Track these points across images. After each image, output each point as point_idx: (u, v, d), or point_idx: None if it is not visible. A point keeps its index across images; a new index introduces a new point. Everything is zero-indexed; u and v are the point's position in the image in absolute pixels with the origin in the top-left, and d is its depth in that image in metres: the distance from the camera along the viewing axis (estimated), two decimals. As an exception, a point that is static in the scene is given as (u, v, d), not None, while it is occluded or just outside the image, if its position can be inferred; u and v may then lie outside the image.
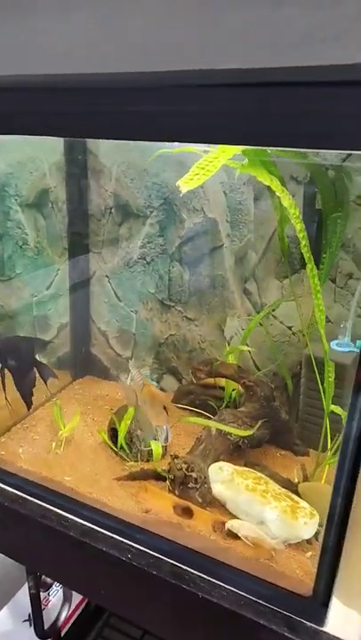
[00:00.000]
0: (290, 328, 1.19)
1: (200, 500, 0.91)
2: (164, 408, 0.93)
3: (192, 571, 0.88)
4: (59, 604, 1.61)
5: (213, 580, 0.86)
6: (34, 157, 1.29)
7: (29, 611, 1.55)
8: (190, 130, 0.67)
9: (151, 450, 1.06)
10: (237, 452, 1.02)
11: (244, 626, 0.82)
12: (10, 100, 0.80)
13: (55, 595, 1.62)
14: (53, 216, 1.33)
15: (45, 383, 1.15)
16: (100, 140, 1.22)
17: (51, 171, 1.29)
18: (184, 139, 0.76)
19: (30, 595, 1.50)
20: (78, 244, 1.33)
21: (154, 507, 0.92)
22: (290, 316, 1.18)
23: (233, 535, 0.86)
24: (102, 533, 0.96)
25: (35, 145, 1.26)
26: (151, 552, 0.92)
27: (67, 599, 1.65)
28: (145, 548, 0.92)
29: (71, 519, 0.99)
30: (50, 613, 1.55)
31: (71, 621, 1.63)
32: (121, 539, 0.94)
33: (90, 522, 0.98)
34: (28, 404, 1.14)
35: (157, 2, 0.67)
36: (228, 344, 1.27)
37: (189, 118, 0.66)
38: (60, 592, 1.61)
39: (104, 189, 1.28)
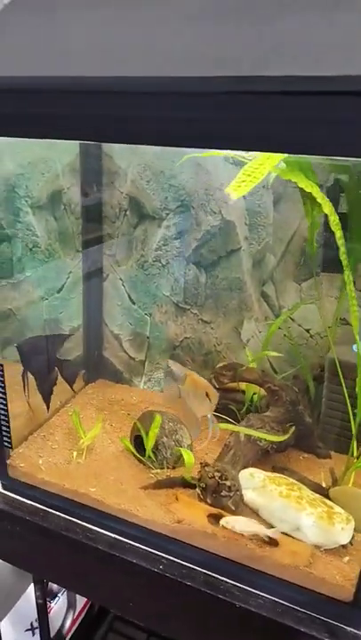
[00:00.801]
0: (308, 331, 1.19)
1: (233, 508, 0.90)
2: (207, 395, 0.88)
3: (228, 580, 0.88)
4: (60, 610, 1.59)
5: (250, 589, 0.86)
6: (46, 158, 1.25)
7: (31, 620, 1.53)
8: (224, 136, 0.66)
9: (177, 456, 1.05)
10: (265, 458, 1.02)
11: (283, 633, 0.82)
12: (32, 101, 0.77)
13: (57, 601, 1.60)
14: (66, 218, 1.29)
15: (70, 383, 1.12)
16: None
17: (64, 172, 1.25)
18: (212, 145, 0.74)
19: (37, 604, 1.48)
20: (91, 247, 1.30)
21: (186, 516, 0.90)
22: (307, 318, 1.18)
23: (271, 542, 0.86)
24: (131, 545, 0.95)
25: (46, 145, 1.22)
26: (184, 562, 0.91)
27: (71, 605, 1.63)
28: (177, 558, 0.91)
29: (97, 531, 0.98)
30: (52, 621, 1.53)
31: (74, 627, 1.61)
32: (152, 550, 0.93)
33: (118, 534, 0.96)
34: (49, 404, 1.12)
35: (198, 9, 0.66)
36: (245, 347, 1.26)
37: (215, 124, 0.65)
38: (62, 598, 1.59)
39: (119, 191, 1.25)
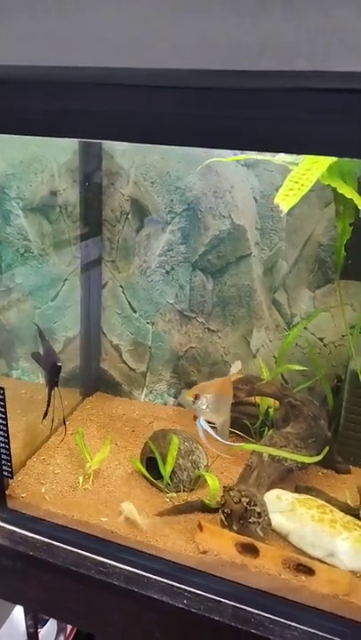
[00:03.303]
0: (321, 340, 1.15)
1: (261, 535, 0.84)
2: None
3: (259, 612, 0.82)
4: (49, 634, 1.52)
5: (285, 621, 0.80)
6: (40, 157, 1.15)
7: (16, 646, 1.44)
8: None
9: (193, 479, 0.98)
10: (287, 477, 0.97)
11: (323, 668, 0.77)
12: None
13: (46, 626, 1.51)
14: (62, 221, 1.19)
15: (50, 385, 1.03)
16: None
17: (60, 172, 1.15)
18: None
19: (28, 634, 1.39)
20: (89, 252, 1.20)
21: (212, 547, 0.84)
22: (320, 327, 1.14)
23: (306, 571, 0.80)
24: (151, 578, 0.87)
25: (40, 143, 1.12)
26: (210, 595, 0.84)
27: (61, 629, 1.55)
28: (202, 591, 0.85)
29: (111, 565, 0.89)
30: (41, 645, 1.44)
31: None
32: (174, 583, 0.86)
33: (135, 567, 0.88)
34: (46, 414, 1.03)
35: None
36: (255, 357, 1.21)
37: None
38: (51, 623, 1.51)
39: (120, 193, 1.16)
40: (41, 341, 1.02)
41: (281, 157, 0.80)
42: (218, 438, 0.86)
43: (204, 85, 0.60)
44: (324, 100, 0.55)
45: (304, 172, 0.62)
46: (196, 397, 0.83)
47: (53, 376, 0.95)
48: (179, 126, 0.61)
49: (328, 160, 0.63)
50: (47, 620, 1.51)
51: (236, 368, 0.89)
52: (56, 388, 0.97)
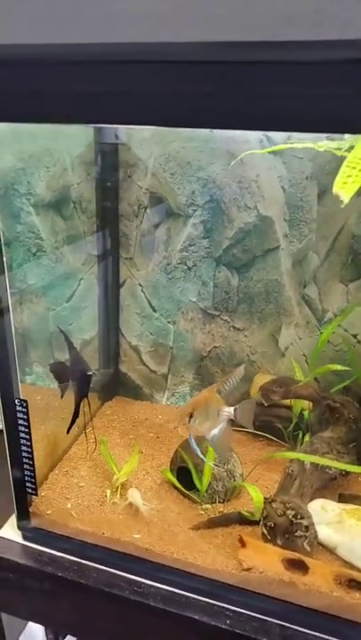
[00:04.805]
0: (355, 336, 1.09)
1: (308, 549, 0.79)
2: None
3: (310, 632, 0.76)
4: None
5: (339, 642, 0.75)
6: (51, 149, 1.08)
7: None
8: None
9: (229, 489, 0.92)
10: (329, 485, 0.91)
11: None
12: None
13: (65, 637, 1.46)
14: (76, 217, 1.12)
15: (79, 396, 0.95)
16: (134, 129, 1.03)
17: (73, 165, 1.08)
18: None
19: None
20: (106, 249, 1.13)
21: (257, 563, 0.78)
22: (354, 323, 1.08)
23: (360, 587, 0.75)
24: (190, 598, 0.82)
25: (51, 135, 1.05)
26: (255, 615, 0.79)
27: None
28: (247, 610, 0.79)
29: (147, 584, 0.84)
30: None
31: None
32: (215, 602, 0.81)
33: (173, 586, 0.83)
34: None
35: None
36: (284, 355, 1.14)
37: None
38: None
39: (138, 185, 1.09)
40: (68, 349, 0.94)
41: (325, 143, 0.73)
42: (200, 455, 0.82)
43: (246, 59, 0.52)
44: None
45: (363, 155, 0.55)
46: (191, 416, 0.77)
47: (83, 387, 0.88)
48: (213, 107, 0.54)
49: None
50: (65, 635, 1.46)
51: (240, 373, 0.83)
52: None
